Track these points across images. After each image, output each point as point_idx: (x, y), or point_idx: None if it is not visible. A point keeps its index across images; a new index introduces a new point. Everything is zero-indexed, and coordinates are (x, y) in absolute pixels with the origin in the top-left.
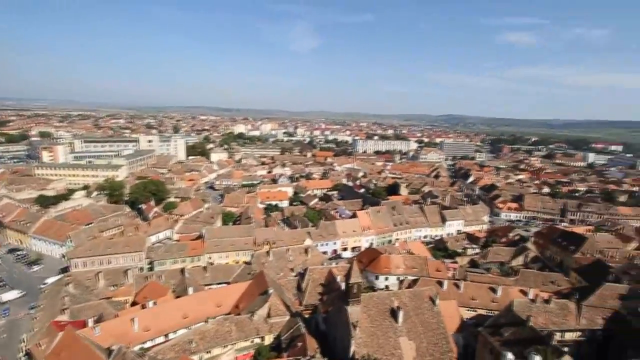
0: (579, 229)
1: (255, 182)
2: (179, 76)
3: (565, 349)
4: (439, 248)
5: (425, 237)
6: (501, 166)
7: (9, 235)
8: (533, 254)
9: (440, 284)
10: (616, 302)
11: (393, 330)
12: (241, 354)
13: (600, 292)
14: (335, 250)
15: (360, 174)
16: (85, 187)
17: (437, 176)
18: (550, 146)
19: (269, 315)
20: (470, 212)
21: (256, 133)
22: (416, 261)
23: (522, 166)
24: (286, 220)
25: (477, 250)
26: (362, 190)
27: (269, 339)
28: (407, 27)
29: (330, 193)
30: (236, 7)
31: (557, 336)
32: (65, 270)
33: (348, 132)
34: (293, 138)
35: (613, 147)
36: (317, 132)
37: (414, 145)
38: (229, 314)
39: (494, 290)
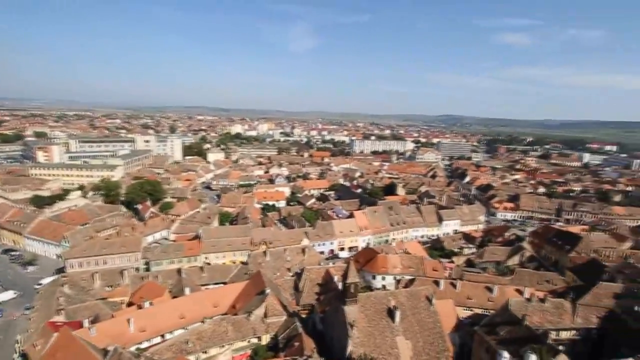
0: (574, 229)
1: (252, 182)
2: (178, 76)
3: (561, 347)
4: (436, 248)
5: (422, 236)
6: (497, 166)
7: (3, 235)
8: (529, 254)
9: (436, 283)
10: (611, 301)
11: (390, 329)
12: (238, 354)
13: (595, 291)
14: (332, 250)
15: (357, 174)
16: (81, 188)
17: (433, 176)
18: (546, 146)
19: (265, 315)
20: (466, 211)
21: (253, 133)
22: (413, 261)
23: (518, 166)
24: (283, 220)
25: (474, 250)
26: (359, 190)
27: (266, 339)
28: (405, 27)
29: (327, 193)
30: (235, 7)
31: (553, 335)
32: (60, 270)
33: (345, 133)
34: (290, 138)
35: (608, 147)
36: (314, 133)
37: (410, 146)
38: (225, 314)
39: (490, 290)
